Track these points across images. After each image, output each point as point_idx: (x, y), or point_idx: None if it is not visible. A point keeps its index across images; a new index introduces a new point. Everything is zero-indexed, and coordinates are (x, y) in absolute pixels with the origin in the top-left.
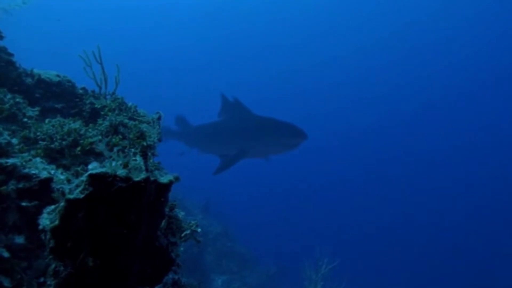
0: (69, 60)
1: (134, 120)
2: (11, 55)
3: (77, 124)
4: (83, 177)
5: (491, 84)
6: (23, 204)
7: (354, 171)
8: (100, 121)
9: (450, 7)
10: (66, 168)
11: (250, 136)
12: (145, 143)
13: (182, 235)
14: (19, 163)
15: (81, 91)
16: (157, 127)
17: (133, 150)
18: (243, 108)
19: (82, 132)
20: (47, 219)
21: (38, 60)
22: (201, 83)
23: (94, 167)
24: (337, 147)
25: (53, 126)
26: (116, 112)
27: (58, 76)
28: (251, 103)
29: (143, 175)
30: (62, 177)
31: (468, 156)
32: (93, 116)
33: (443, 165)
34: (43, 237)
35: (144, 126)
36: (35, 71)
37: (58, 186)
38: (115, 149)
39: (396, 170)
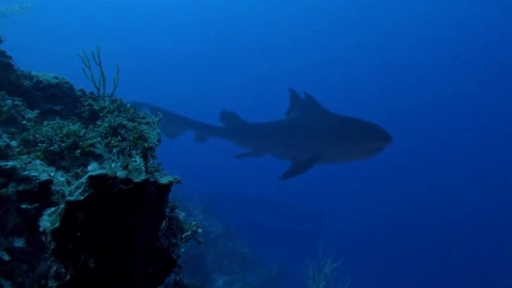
0: (66, 62)
1: (134, 121)
2: (9, 57)
3: (76, 126)
4: (83, 179)
5: (491, 83)
6: (23, 206)
7: (358, 170)
8: (99, 122)
9: (449, 6)
10: (66, 170)
11: (329, 138)
12: (146, 145)
13: (183, 236)
14: (18, 166)
15: (79, 93)
16: (157, 128)
17: (134, 151)
18: (318, 105)
19: (81, 134)
20: (47, 221)
21: (36, 61)
22: (200, 83)
23: (93, 169)
24: None
25: (52, 128)
26: (115, 113)
27: (56, 78)
28: (249, 102)
29: (143, 176)
30: (62, 179)
31: (469, 154)
32: (92, 117)
33: (444, 163)
34: (43, 239)
35: (144, 128)
36: (33, 73)
37: (58, 188)
38: (115, 150)
39: (399, 168)
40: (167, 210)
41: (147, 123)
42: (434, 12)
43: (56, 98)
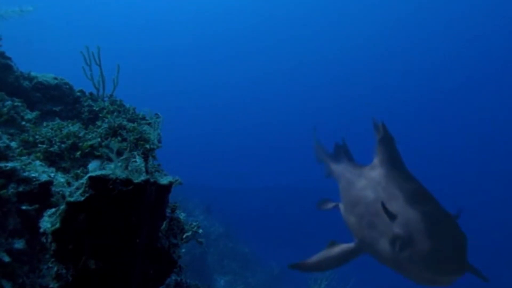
0: (65, 62)
1: (133, 122)
2: (8, 58)
3: (76, 127)
4: (83, 180)
5: (489, 82)
6: (24, 207)
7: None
8: (99, 123)
9: (446, 4)
10: (66, 171)
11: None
12: (148, 146)
13: (184, 236)
14: (18, 167)
15: (78, 94)
16: (158, 129)
17: (134, 152)
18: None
19: (81, 134)
20: (48, 222)
21: (36, 62)
22: (199, 83)
23: (93, 169)
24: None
25: (51, 129)
26: (115, 114)
27: (55, 78)
28: (249, 103)
29: (143, 177)
30: (62, 180)
31: (470, 153)
32: (92, 118)
33: (446, 163)
34: (44, 240)
35: (144, 128)
36: (33, 74)
37: (58, 189)
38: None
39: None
40: (168, 210)
41: (147, 124)
42: (429, 11)
43: (55, 99)
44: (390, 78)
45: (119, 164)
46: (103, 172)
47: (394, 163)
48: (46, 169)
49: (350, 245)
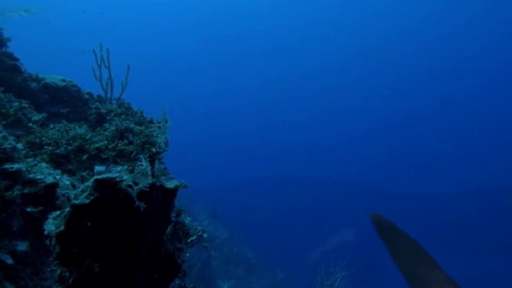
0: (73, 64)
1: (141, 125)
2: (17, 59)
3: (82, 129)
4: (89, 182)
5: (491, 84)
6: (28, 209)
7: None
8: (106, 126)
9: (449, 8)
10: (71, 173)
11: None
12: (154, 150)
13: (188, 241)
14: (24, 168)
15: (86, 96)
16: (166, 133)
17: (141, 156)
18: None
19: (87, 137)
20: (52, 225)
21: (42, 63)
22: (206, 87)
23: (99, 172)
24: (353, 151)
25: (58, 131)
26: (123, 117)
27: (63, 81)
28: (250, 104)
29: (149, 181)
30: (67, 182)
31: (472, 155)
32: (99, 120)
33: (451, 167)
34: (48, 243)
35: (151, 131)
36: (40, 75)
37: (64, 192)
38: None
39: (402, 172)
40: (173, 214)
41: (154, 127)
42: (433, 14)
43: (63, 101)
44: (405, 80)
45: (125, 167)
46: (109, 175)
47: None
48: (52, 171)
49: None
